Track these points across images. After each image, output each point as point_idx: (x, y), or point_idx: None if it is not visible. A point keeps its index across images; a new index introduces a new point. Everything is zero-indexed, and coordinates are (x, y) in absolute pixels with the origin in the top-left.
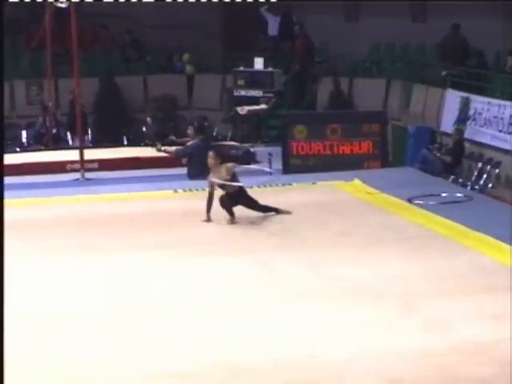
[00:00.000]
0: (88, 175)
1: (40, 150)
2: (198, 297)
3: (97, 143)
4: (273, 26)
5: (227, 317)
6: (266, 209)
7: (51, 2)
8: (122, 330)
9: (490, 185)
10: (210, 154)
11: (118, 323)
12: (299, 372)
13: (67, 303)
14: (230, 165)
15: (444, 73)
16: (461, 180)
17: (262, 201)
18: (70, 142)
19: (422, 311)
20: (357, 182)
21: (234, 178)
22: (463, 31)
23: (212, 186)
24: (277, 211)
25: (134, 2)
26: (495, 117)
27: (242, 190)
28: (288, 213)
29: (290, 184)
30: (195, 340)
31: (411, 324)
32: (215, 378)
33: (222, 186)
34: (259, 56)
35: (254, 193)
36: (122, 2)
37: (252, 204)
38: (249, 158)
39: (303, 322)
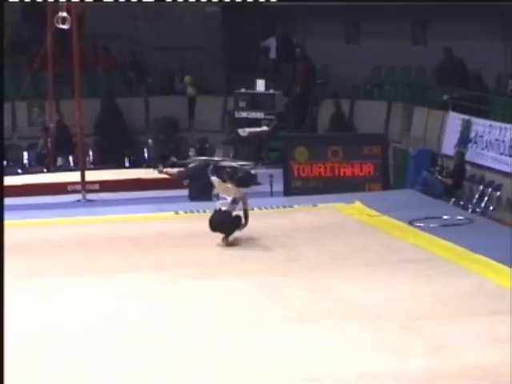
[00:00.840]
0: (89, 196)
1: (41, 171)
2: (196, 318)
3: (98, 165)
4: (273, 49)
5: (227, 338)
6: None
7: (53, 23)
8: (123, 351)
9: (491, 207)
10: (215, 179)
11: (118, 344)
12: None
13: (66, 324)
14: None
15: (445, 96)
16: (462, 202)
17: (262, 223)
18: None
19: (424, 334)
20: (358, 204)
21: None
22: (464, 54)
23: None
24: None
25: (135, 24)
26: (496, 139)
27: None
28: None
29: (291, 206)
30: (195, 361)
31: (413, 347)
32: None
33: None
34: (261, 78)
35: (255, 215)
36: (123, 24)
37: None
38: (249, 180)
39: (304, 345)
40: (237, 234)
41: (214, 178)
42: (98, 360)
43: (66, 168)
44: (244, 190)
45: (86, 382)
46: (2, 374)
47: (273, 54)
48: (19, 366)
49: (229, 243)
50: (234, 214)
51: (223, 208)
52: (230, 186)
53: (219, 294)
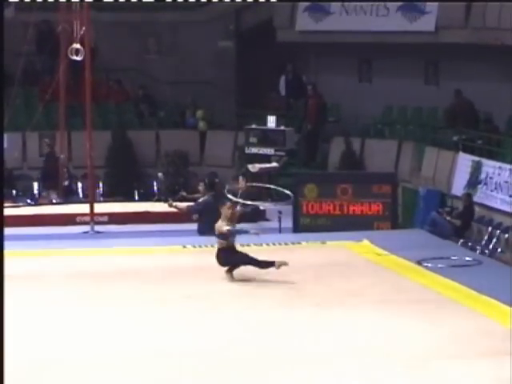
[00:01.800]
0: (98, 228)
1: (51, 201)
2: (201, 354)
3: (108, 197)
4: (282, 86)
5: (222, 375)
6: (263, 264)
7: (66, 55)
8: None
9: (499, 249)
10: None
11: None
12: None
13: (73, 353)
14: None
15: (455, 138)
16: (470, 244)
17: (270, 259)
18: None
19: (429, 374)
20: (366, 242)
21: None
22: (475, 94)
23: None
24: (273, 265)
25: (148, 58)
26: (506, 181)
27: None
28: (285, 264)
29: (300, 243)
30: None
31: None
32: None
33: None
34: (272, 114)
35: (263, 251)
36: (136, 57)
37: (248, 259)
38: (258, 216)
39: (307, 382)
40: (242, 268)
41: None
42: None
43: (74, 199)
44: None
45: None
46: (2, 374)
47: (282, 91)
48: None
49: (231, 277)
50: (238, 249)
51: (218, 246)
52: (220, 220)
53: (221, 331)
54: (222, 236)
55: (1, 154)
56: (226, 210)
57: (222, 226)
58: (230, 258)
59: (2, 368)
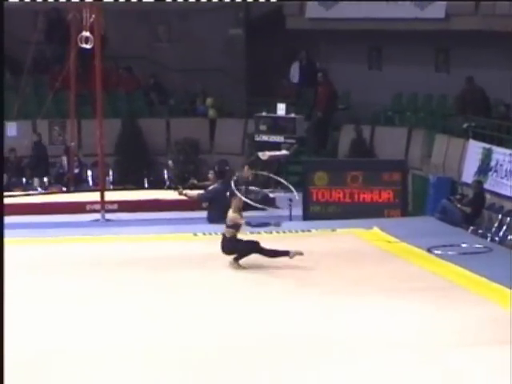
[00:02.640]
0: (108, 216)
1: (61, 189)
2: (209, 342)
3: (118, 185)
4: (295, 73)
5: (232, 365)
6: (273, 253)
7: (76, 43)
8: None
9: (509, 236)
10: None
11: (136, 362)
12: None
13: (79, 343)
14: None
15: (466, 125)
16: (480, 231)
17: (280, 247)
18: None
19: (439, 362)
20: (376, 230)
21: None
22: (486, 82)
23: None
24: (288, 254)
25: (158, 46)
26: None
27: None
28: (300, 254)
29: (310, 230)
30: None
31: (428, 375)
32: None
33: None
34: (282, 102)
35: (273, 239)
36: (146, 45)
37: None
38: (268, 204)
39: (319, 371)
40: (253, 256)
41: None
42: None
43: (84, 187)
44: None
45: None
46: (2, 373)
47: (295, 78)
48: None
49: (237, 266)
50: (246, 238)
51: (226, 234)
52: (233, 213)
53: (234, 318)
54: (234, 226)
55: (1, 146)
56: (238, 202)
57: (237, 217)
58: (236, 247)
59: (2, 362)
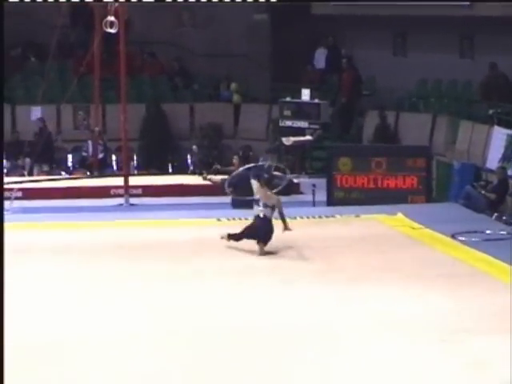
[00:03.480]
0: (132, 201)
1: (85, 174)
2: (229, 325)
3: (142, 169)
4: (320, 59)
5: (260, 347)
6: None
7: (101, 28)
8: (154, 355)
9: None
10: (254, 183)
11: (163, 347)
12: None
13: (100, 328)
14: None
15: (491, 111)
16: (504, 217)
17: (304, 233)
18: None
19: (462, 348)
20: (400, 216)
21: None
22: (510, 68)
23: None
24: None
25: (182, 30)
26: None
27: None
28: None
29: (333, 216)
30: (226, 367)
31: (451, 361)
32: None
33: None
34: (306, 87)
35: (297, 224)
36: (170, 30)
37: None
38: (292, 189)
39: (342, 356)
40: (277, 242)
41: (253, 182)
42: (130, 364)
43: (108, 171)
44: (282, 197)
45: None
46: (2, 373)
47: (321, 64)
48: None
49: (263, 251)
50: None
51: (261, 214)
52: (268, 192)
53: (256, 304)
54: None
55: (1, 136)
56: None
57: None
58: (271, 229)
59: (2, 368)
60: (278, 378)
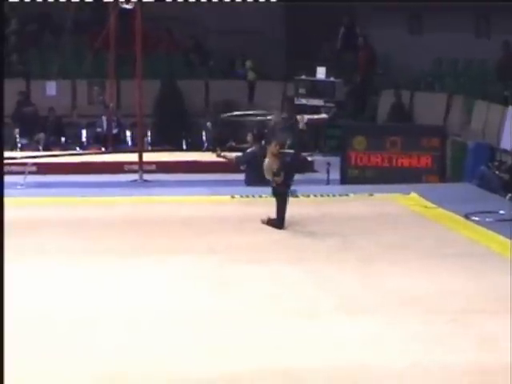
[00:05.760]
0: (146, 177)
1: (99, 149)
2: (245, 304)
3: (156, 146)
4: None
5: (276, 326)
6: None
7: (116, 3)
8: (166, 332)
9: None
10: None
11: (164, 324)
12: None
13: (118, 303)
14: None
15: (506, 92)
16: None
17: (317, 211)
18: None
19: (474, 328)
20: (414, 195)
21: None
22: None
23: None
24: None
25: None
26: None
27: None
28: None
29: (347, 195)
30: (239, 346)
31: (463, 341)
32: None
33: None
34: (321, 65)
35: (311, 202)
36: (186, 6)
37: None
38: (306, 167)
39: (354, 334)
40: (290, 219)
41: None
42: (144, 339)
43: (122, 147)
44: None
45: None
46: (2, 373)
47: (338, 43)
48: (68, 339)
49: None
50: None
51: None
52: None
53: (270, 281)
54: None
55: (1, 115)
56: (273, 148)
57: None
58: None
59: (2, 368)
60: (289, 345)
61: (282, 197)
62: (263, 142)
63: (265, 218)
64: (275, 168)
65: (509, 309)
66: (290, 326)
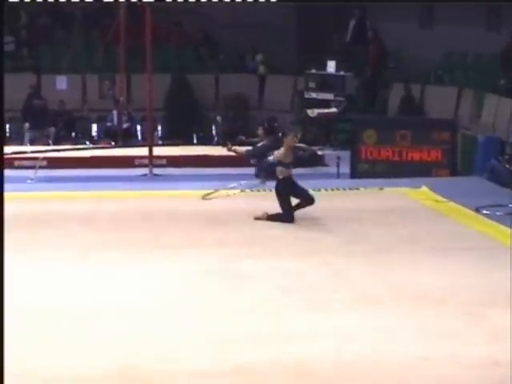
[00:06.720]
0: (156, 171)
1: (110, 144)
2: (257, 297)
3: (166, 140)
4: (349, 31)
5: (287, 318)
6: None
7: None
8: (176, 325)
9: None
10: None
11: (172, 318)
12: (361, 376)
13: (126, 297)
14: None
15: (502, 81)
16: None
17: (327, 205)
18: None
19: (485, 321)
20: (424, 189)
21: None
22: None
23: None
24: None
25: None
26: None
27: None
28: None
29: (358, 188)
30: (251, 339)
31: (474, 334)
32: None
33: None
34: (332, 59)
35: (321, 196)
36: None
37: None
38: (316, 161)
39: (365, 327)
40: (301, 213)
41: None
42: (155, 332)
43: (133, 141)
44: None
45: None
46: (2, 373)
47: (348, 36)
48: (80, 333)
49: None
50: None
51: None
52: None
53: (281, 274)
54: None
55: (1, 111)
56: (290, 140)
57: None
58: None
59: (2, 368)
60: (303, 339)
61: (284, 190)
62: (280, 134)
63: (259, 214)
64: (288, 161)
65: None
66: (301, 318)
